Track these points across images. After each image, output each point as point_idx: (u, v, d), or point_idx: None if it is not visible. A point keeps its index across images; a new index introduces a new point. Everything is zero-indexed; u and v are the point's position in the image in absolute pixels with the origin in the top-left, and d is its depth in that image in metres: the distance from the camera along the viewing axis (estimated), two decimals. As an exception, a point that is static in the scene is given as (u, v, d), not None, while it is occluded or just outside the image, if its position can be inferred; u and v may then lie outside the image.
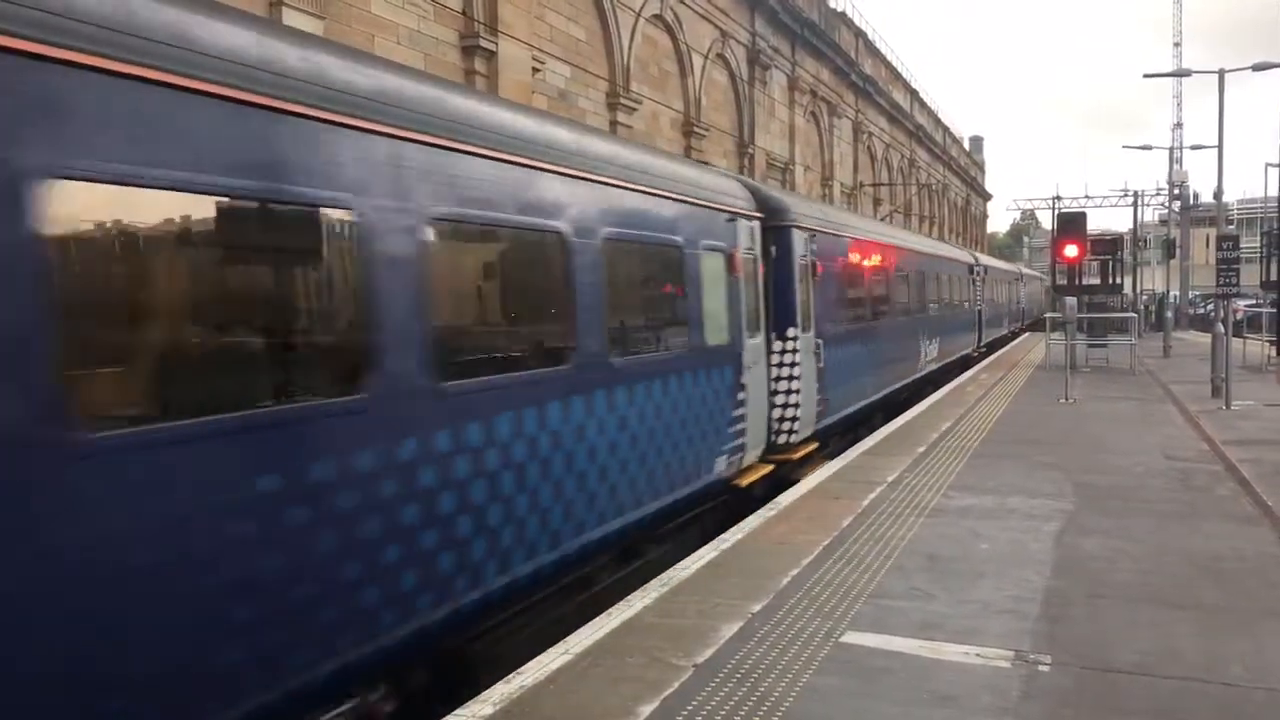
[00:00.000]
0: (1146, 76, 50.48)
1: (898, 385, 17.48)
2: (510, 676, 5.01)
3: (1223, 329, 17.04)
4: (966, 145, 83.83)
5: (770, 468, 10.61)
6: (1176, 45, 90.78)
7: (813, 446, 11.84)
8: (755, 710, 4.55)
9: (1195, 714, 4.52)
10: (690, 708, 4.59)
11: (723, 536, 7.83)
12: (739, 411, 9.54)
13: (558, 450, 6.24)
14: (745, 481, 9.91)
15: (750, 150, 30.38)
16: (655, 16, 24.41)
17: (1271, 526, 7.90)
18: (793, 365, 11.09)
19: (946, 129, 68.72)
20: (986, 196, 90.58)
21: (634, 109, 22.93)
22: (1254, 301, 31.28)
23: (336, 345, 4.79)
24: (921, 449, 11.81)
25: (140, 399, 3.85)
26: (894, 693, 4.73)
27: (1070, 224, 21.11)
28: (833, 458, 11.85)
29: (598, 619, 5.90)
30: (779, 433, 10.94)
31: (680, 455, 8.17)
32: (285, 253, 4.54)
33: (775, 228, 10.96)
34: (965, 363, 26.69)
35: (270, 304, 4.50)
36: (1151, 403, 16.50)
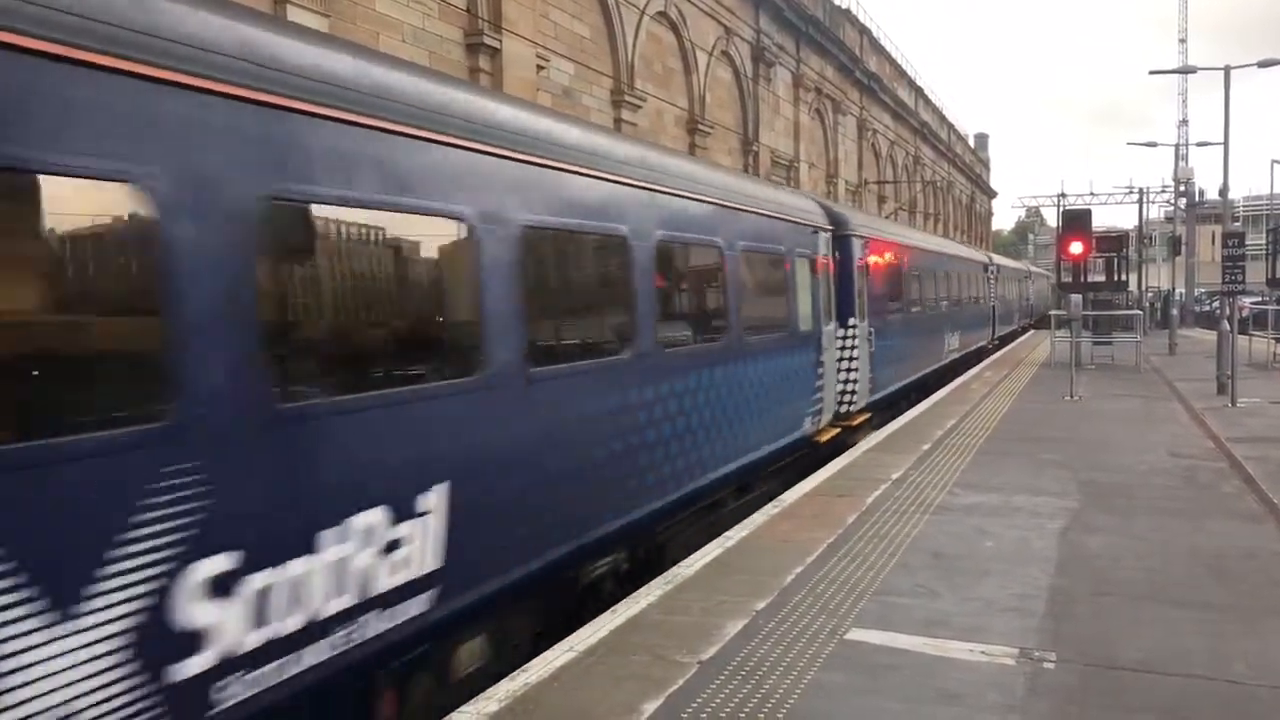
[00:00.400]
0: (1152, 73, 50.70)
1: (927, 371, 19.85)
2: (515, 674, 5.03)
3: (1228, 326, 17.01)
4: (971, 142, 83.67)
5: (838, 430, 12.87)
6: (1182, 42, 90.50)
7: (866, 416, 14.09)
8: (760, 707, 4.56)
9: (1200, 711, 4.52)
10: (695, 705, 4.59)
11: (727, 534, 7.85)
12: (819, 383, 12.01)
13: (717, 401, 8.62)
14: (823, 439, 12.29)
15: (755, 148, 30.35)
16: (660, 13, 24.40)
17: (1277, 524, 7.89)
18: (852, 349, 13.46)
19: (951, 126, 68.57)
20: (991, 194, 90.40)
21: (638, 106, 22.93)
22: (1259, 299, 31.17)
23: (623, 324, 7.16)
24: (926, 446, 11.81)
25: (564, 352, 6.40)
26: (899, 690, 4.74)
27: (1075, 221, 21.04)
28: (879, 427, 13.95)
29: (602, 616, 5.92)
30: (842, 403, 13.26)
31: (782, 412, 10.57)
32: (606, 269, 7.22)
33: (839, 236, 13.24)
34: (980, 354, 27.99)
35: (599, 300, 7.28)
36: (1157, 400, 16.47)
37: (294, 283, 4.41)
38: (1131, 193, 58.31)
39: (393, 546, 4.52)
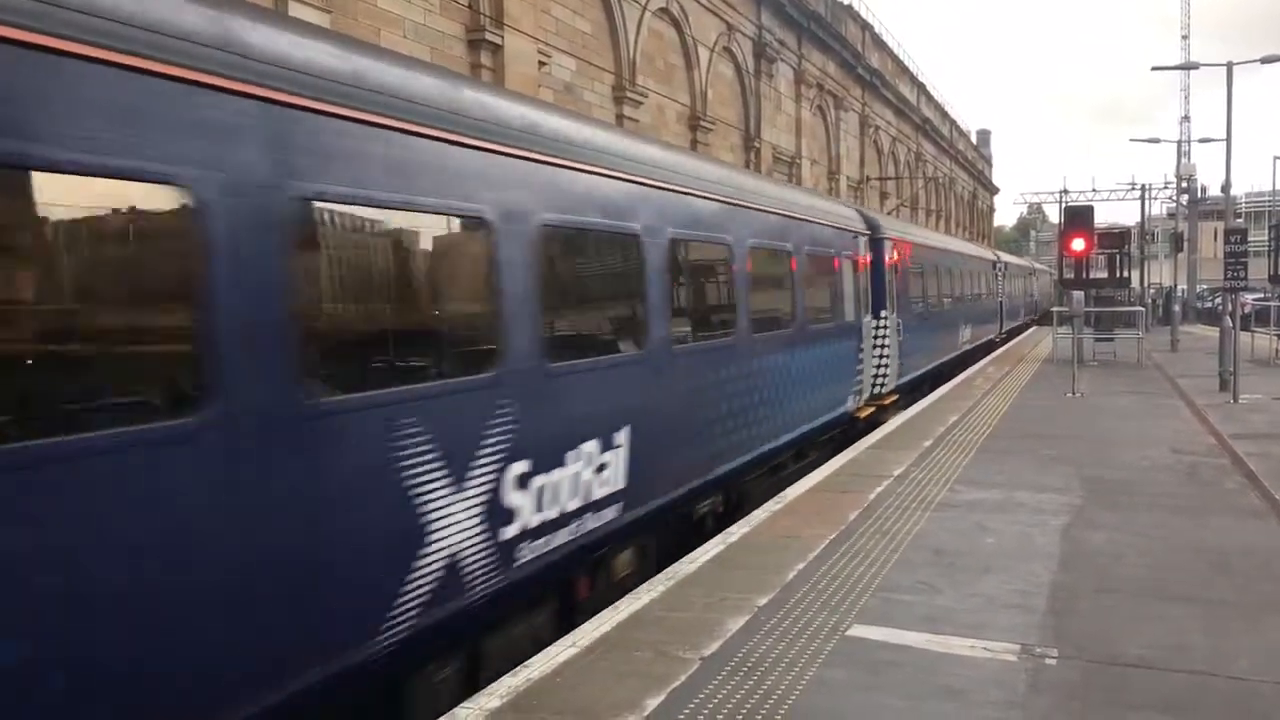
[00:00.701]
0: (1154, 69, 50.46)
1: (945, 359, 21.71)
2: (517, 669, 5.03)
3: (1230, 323, 17.00)
4: (974, 139, 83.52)
5: (872, 409, 14.63)
6: (1184, 38, 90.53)
7: (895, 397, 15.97)
8: (762, 703, 4.56)
9: (1202, 708, 4.52)
10: (697, 701, 4.60)
11: (729, 530, 7.85)
12: (859, 366, 13.92)
13: (787, 378, 10.45)
14: (862, 415, 14.12)
15: (756, 144, 30.32)
16: (661, 10, 24.37)
17: (1279, 520, 7.88)
18: (884, 337, 15.24)
19: (954, 123, 68.44)
20: (993, 190, 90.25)
21: (640, 102, 22.90)
22: (1262, 295, 31.11)
23: (727, 313, 9.06)
24: (928, 443, 11.80)
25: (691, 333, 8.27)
26: (901, 686, 4.74)
27: (1077, 218, 20.93)
28: (905, 408, 15.70)
29: (604, 612, 5.92)
30: (876, 384, 14.98)
31: (831, 391, 12.37)
32: (717, 269, 9.08)
33: (874, 239, 15.07)
34: (989, 346, 29.30)
35: (713, 293, 9.27)
36: (1159, 397, 16.46)
37: (554, 282, 6.16)
38: (1134, 189, 58.13)
39: (601, 467, 6.40)
